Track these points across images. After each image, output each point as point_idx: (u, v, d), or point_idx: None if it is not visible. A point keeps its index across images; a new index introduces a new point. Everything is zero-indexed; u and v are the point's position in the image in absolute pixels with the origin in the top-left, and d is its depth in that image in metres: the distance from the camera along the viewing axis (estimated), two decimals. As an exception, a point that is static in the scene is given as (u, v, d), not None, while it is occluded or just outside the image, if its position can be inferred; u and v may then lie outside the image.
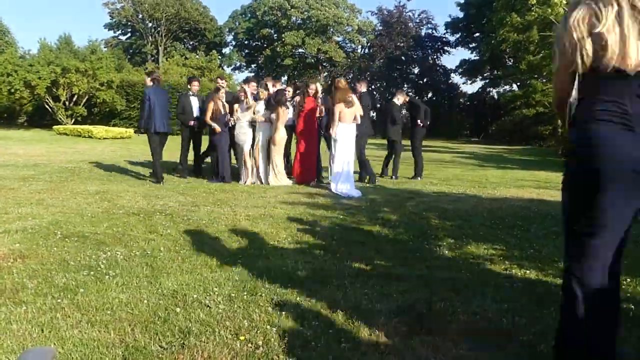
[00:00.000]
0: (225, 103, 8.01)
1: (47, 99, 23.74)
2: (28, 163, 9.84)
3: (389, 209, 5.84)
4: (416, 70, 39.54)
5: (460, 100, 40.45)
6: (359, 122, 7.52)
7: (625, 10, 1.61)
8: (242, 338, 2.29)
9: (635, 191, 1.67)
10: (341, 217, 5.25)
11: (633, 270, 3.43)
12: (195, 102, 8.48)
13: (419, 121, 9.32)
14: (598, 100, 1.70)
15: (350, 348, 2.21)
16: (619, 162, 1.64)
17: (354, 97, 7.50)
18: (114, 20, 42.87)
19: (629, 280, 3.21)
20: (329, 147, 7.84)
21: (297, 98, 8.15)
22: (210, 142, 8.28)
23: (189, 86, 8.80)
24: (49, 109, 24.28)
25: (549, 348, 2.24)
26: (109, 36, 43.70)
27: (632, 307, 2.75)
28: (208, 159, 8.78)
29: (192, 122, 8.45)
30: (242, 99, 7.85)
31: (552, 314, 2.63)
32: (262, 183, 7.87)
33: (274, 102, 7.71)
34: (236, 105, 7.93)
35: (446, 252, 3.90)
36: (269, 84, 8.35)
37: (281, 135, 7.78)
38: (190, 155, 8.83)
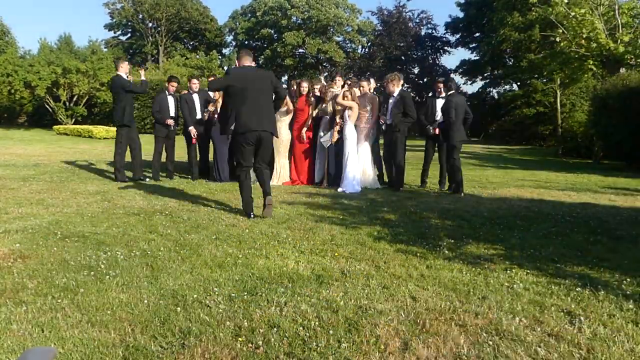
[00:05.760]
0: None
1: (48, 99, 23.77)
2: (28, 163, 9.86)
3: (389, 209, 5.84)
4: (416, 70, 39.47)
5: (461, 100, 40.30)
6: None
7: None
8: (242, 338, 2.29)
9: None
10: (341, 217, 5.25)
11: (633, 270, 3.43)
12: (172, 102, 8.37)
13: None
14: None
15: (351, 348, 2.22)
16: None
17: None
18: (114, 20, 42.87)
19: (629, 280, 3.21)
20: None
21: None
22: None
23: (167, 85, 8.56)
24: (49, 109, 24.31)
25: (549, 349, 2.25)
26: (109, 36, 43.71)
27: (631, 306, 2.75)
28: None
29: (169, 121, 8.25)
30: None
31: (552, 315, 2.63)
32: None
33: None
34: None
35: (446, 252, 3.90)
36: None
37: (284, 137, 7.78)
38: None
